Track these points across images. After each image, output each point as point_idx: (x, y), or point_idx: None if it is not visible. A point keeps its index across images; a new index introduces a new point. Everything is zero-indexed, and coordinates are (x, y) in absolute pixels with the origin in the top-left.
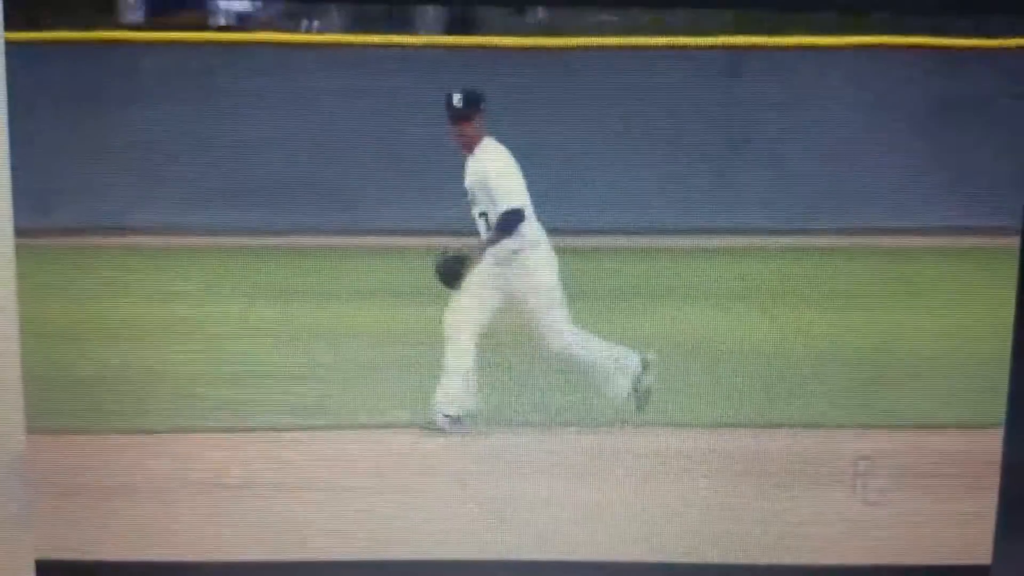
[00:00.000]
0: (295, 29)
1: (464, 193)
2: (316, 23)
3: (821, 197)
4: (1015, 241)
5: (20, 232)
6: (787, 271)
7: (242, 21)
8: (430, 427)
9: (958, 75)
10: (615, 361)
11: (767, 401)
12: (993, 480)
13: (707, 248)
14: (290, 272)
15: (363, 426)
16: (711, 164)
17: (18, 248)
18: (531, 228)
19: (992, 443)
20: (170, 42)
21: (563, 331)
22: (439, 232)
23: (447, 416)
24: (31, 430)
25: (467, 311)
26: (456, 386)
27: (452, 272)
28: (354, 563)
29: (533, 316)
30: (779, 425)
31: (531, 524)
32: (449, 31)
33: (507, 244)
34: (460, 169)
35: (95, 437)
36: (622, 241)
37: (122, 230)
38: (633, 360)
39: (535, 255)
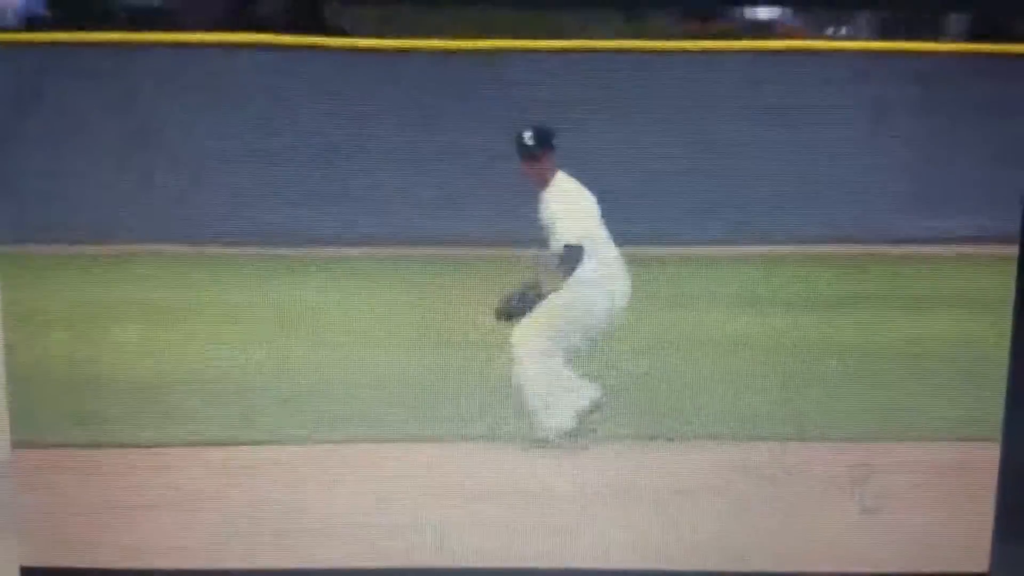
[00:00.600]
0: (821, 36)
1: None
2: (844, 29)
3: (821, 204)
4: (1013, 250)
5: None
6: (785, 279)
7: (767, 28)
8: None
9: (959, 78)
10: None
11: (765, 410)
12: (991, 488)
13: (706, 256)
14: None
15: (355, 439)
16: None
17: (4, 256)
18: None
19: (990, 451)
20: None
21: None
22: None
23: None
24: (17, 443)
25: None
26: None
27: (519, 309)
28: (348, 571)
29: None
30: (777, 434)
31: (538, 532)
32: (975, 38)
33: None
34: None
35: (82, 449)
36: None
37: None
38: (585, 397)
39: (590, 290)
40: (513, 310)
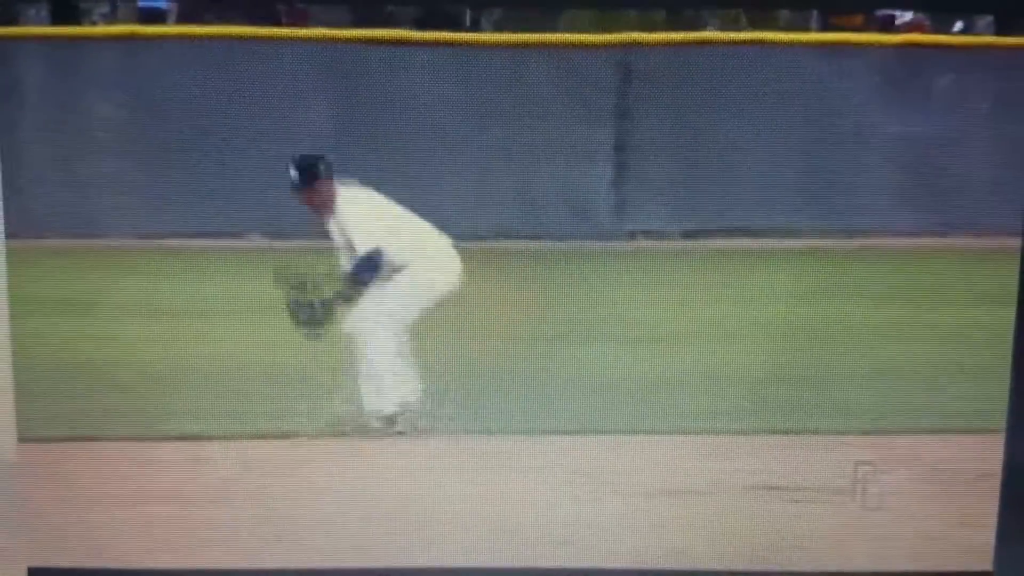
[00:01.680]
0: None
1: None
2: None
3: (821, 199)
4: (1016, 242)
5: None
6: (790, 275)
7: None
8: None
9: (959, 75)
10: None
11: (768, 407)
12: (995, 485)
13: (704, 250)
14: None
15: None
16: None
17: (11, 251)
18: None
19: (994, 447)
20: None
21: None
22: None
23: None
24: (23, 438)
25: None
26: (383, 384)
27: (313, 319)
28: (349, 571)
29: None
30: (779, 431)
31: (542, 531)
32: None
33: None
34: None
35: (88, 445)
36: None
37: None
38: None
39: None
40: (312, 317)
